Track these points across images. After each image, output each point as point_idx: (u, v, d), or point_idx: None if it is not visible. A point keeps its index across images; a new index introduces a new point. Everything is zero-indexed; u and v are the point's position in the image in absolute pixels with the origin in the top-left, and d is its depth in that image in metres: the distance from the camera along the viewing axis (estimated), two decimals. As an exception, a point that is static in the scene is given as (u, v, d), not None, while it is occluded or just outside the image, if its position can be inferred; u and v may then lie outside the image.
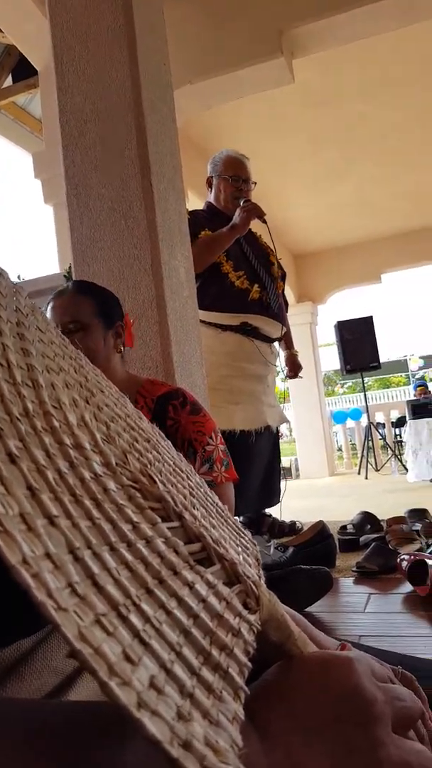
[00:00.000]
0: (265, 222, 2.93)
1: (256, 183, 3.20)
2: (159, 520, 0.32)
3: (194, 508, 0.38)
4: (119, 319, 1.70)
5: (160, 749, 0.19)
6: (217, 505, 0.46)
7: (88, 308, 1.62)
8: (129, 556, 0.26)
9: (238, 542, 0.41)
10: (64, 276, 2.52)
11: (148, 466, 0.37)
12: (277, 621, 0.35)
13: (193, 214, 2.95)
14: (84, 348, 1.59)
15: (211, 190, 3.22)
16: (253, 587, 0.34)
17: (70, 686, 0.42)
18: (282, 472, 3.39)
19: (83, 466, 0.29)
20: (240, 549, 0.40)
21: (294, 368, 3.52)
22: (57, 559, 0.21)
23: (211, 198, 3.22)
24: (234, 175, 3.12)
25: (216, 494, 1.53)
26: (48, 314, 1.62)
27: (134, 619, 0.23)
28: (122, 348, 1.71)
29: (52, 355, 0.40)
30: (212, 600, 0.30)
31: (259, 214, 2.91)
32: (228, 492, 1.62)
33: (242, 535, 0.45)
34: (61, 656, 0.42)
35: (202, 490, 0.46)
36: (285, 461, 6.42)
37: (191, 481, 0.45)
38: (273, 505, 3.24)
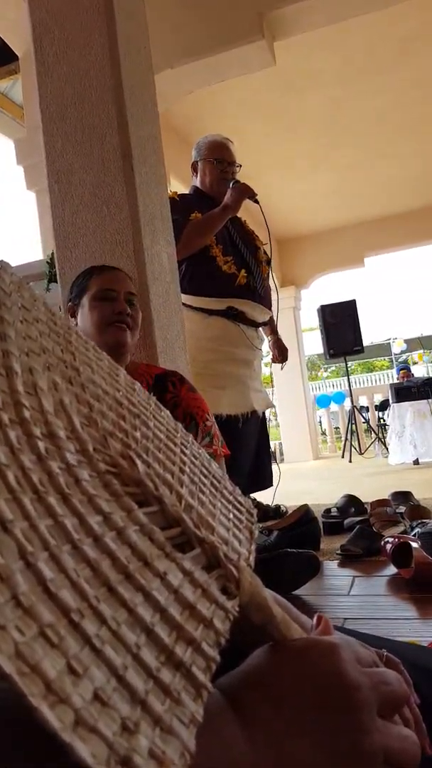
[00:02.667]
0: (257, 202, 2.92)
1: (241, 165, 3.18)
2: (135, 507, 0.31)
3: (182, 486, 0.37)
4: None
5: None
6: (213, 476, 0.45)
7: (134, 290, 1.78)
8: (93, 554, 0.25)
9: (230, 516, 0.40)
10: (47, 263, 2.49)
11: (133, 445, 0.36)
12: (258, 604, 0.35)
13: (182, 197, 2.95)
14: (137, 320, 1.69)
15: (196, 175, 3.20)
16: (234, 571, 0.33)
17: None
18: (273, 456, 3.40)
19: (54, 457, 0.29)
20: (232, 524, 0.39)
21: (281, 352, 3.52)
22: (3, 571, 0.21)
23: (197, 182, 3.19)
24: (219, 157, 3.09)
25: None
26: (97, 280, 1.71)
27: (87, 624, 0.22)
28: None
29: (35, 335, 0.39)
30: (185, 589, 0.29)
31: (251, 194, 2.89)
32: (223, 466, 1.67)
33: (238, 507, 0.44)
34: None
35: (197, 461, 0.45)
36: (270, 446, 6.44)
37: (185, 454, 0.44)
38: (266, 488, 3.25)
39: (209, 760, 0.29)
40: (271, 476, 3.27)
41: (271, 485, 3.27)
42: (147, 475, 0.34)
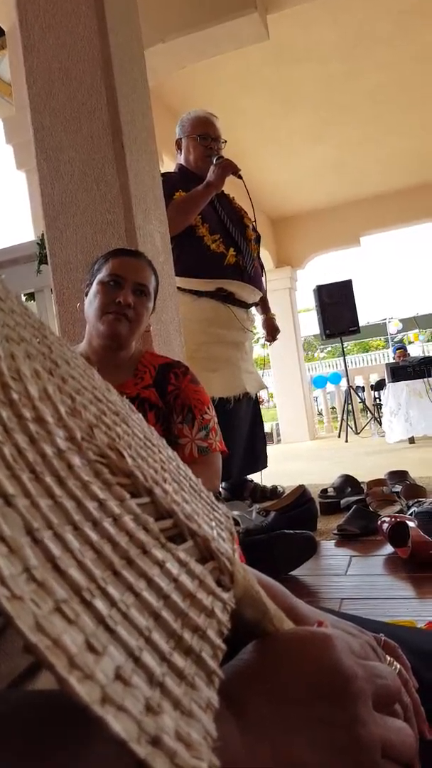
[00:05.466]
0: (240, 177, 2.86)
1: (226, 141, 3.12)
2: (127, 496, 0.30)
3: (165, 483, 0.37)
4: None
5: (126, 749, 0.18)
6: (189, 478, 0.45)
7: (152, 281, 1.69)
8: (94, 536, 0.25)
9: (211, 516, 0.40)
10: (37, 244, 2.45)
11: (117, 439, 0.36)
12: (252, 598, 0.34)
13: (166, 176, 2.87)
14: (140, 312, 1.63)
15: (180, 152, 3.15)
16: (227, 564, 0.33)
17: (41, 668, 0.41)
18: (265, 438, 3.39)
19: (45, 441, 0.28)
20: (214, 524, 0.39)
21: (272, 332, 3.50)
22: (12, 543, 0.20)
23: (181, 160, 3.15)
24: (203, 133, 3.04)
25: (207, 462, 1.50)
26: (109, 265, 1.65)
27: (99, 604, 0.22)
28: (149, 329, 1.79)
29: (12, 324, 0.38)
30: (184, 579, 0.29)
31: (234, 170, 2.84)
32: (218, 461, 1.64)
33: (216, 508, 0.44)
34: None
35: (174, 463, 0.45)
36: (266, 426, 6.44)
37: (162, 454, 0.44)
38: (260, 470, 3.25)
39: None
40: (264, 458, 3.26)
41: (266, 467, 3.27)
42: (137, 467, 0.34)
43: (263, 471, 3.31)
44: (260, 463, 3.23)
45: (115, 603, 0.23)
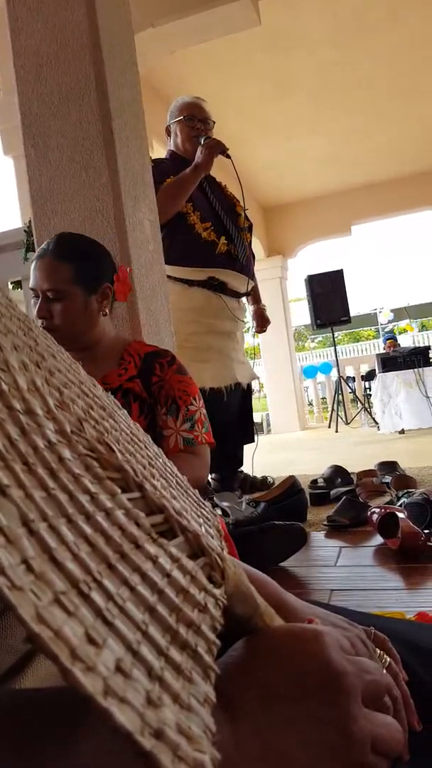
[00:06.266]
0: (229, 157, 2.82)
1: (215, 122, 3.08)
2: (119, 491, 0.30)
3: (154, 479, 0.37)
4: (106, 279, 1.63)
5: (130, 741, 0.18)
6: (176, 475, 0.45)
7: (66, 275, 1.54)
8: (88, 530, 0.25)
9: (199, 513, 0.40)
10: (25, 231, 2.42)
11: (105, 434, 0.35)
12: (243, 594, 0.34)
13: (157, 163, 2.84)
14: (63, 317, 1.53)
15: (170, 139, 3.13)
16: (218, 560, 0.33)
17: (28, 665, 0.40)
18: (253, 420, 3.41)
19: (36, 433, 0.28)
20: (201, 520, 0.38)
21: (262, 322, 3.48)
22: (10, 533, 0.20)
23: (171, 146, 3.12)
24: (189, 115, 3.01)
25: (194, 454, 1.47)
26: (32, 277, 1.57)
27: (96, 596, 0.22)
28: (108, 311, 1.65)
29: None
30: (177, 574, 0.28)
31: (222, 149, 2.79)
32: (205, 454, 1.61)
33: (202, 505, 0.43)
34: (19, 634, 0.40)
35: (160, 460, 0.44)
36: (257, 417, 6.45)
37: (149, 450, 0.43)
38: (246, 443, 3.27)
39: None
40: (253, 435, 3.28)
41: (252, 441, 3.27)
42: (126, 462, 0.33)
43: (254, 463, 3.31)
44: (247, 438, 3.24)
45: (112, 596, 0.23)
